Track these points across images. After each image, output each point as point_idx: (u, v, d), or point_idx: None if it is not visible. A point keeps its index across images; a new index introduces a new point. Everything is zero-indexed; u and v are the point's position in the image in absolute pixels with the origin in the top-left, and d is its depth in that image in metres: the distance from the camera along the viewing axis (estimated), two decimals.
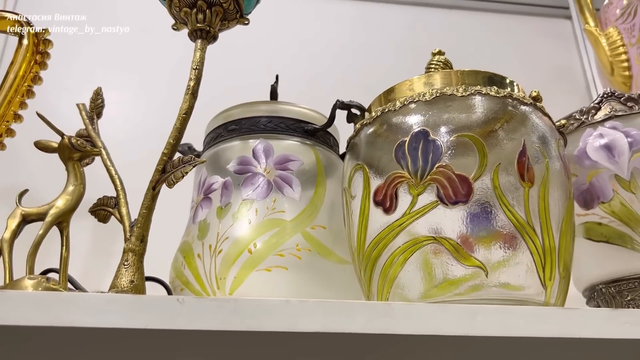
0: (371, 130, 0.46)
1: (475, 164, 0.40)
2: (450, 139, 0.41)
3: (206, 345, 0.36)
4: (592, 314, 0.39)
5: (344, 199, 0.48)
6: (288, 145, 0.53)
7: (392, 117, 0.45)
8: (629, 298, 0.49)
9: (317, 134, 0.55)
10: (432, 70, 0.52)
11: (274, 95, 0.62)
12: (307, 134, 0.54)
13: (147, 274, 0.45)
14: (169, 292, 0.52)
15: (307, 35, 0.97)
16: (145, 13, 0.86)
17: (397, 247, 0.41)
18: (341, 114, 0.53)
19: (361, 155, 0.46)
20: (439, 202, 0.40)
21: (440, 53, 0.53)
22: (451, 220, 0.40)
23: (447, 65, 0.52)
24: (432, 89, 0.44)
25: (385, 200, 0.42)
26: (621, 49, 0.73)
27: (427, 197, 0.40)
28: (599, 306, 0.52)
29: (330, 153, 0.56)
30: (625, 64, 0.72)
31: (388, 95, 0.48)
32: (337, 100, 0.54)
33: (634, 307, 0.49)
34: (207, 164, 0.54)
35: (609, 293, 0.51)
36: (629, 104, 0.52)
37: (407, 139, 0.42)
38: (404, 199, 0.41)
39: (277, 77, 0.63)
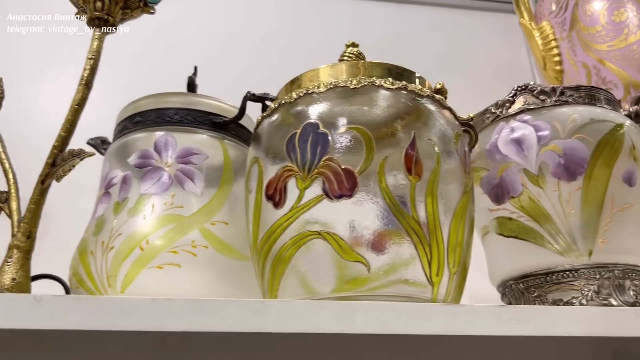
0: (269, 122, 0.45)
1: (363, 156, 0.39)
2: (340, 132, 0.40)
3: (66, 346, 0.35)
4: (478, 311, 0.38)
5: (245, 193, 0.46)
6: (194, 139, 0.51)
7: (289, 108, 0.44)
8: (535, 294, 0.48)
9: (228, 128, 0.53)
10: (346, 60, 0.51)
11: (191, 87, 0.60)
12: (215, 127, 0.52)
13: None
14: (67, 291, 0.50)
15: (237, 28, 0.95)
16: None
17: (284, 242, 0.40)
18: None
19: (259, 148, 0.45)
20: (324, 196, 0.39)
21: (353, 45, 0.52)
22: (336, 215, 0.38)
23: (359, 57, 0.51)
24: (327, 81, 0.43)
25: (275, 195, 0.41)
26: (553, 43, 0.72)
27: (314, 191, 0.39)
28: (510, 302, 0.51)
29: (244, 147, 0.54)
30: (557, 58, 0.72)
31: (292, 85, 0.47)
32: (248, 92, 0.53)
33: (539, 304, 0.48)
34: (112, 158, 0.52)
35: (517, 289, 0.50)
36: (541, 97, 0.51)
37: (299, 131, 0.41)
38: (292, 193, 0.40)
39: (195, 68, 0.62)
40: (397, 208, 0.38)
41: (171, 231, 0.46)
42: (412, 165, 0.39)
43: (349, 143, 0.39)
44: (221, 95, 0.56)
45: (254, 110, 0.54)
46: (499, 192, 0.51)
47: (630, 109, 0.53)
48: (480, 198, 0.52)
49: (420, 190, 0.39)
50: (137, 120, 0.52)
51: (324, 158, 0.39)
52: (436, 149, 0.41)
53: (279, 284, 0.40)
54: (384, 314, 0.36)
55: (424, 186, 0.39)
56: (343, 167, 0.39)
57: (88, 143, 0.58)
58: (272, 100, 0.52)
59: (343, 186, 0.38)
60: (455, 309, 0.37)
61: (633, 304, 0.44)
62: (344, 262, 0.38)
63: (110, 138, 0.59)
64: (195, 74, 0.61)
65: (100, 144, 0.58)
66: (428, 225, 0.39)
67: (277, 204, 0.40)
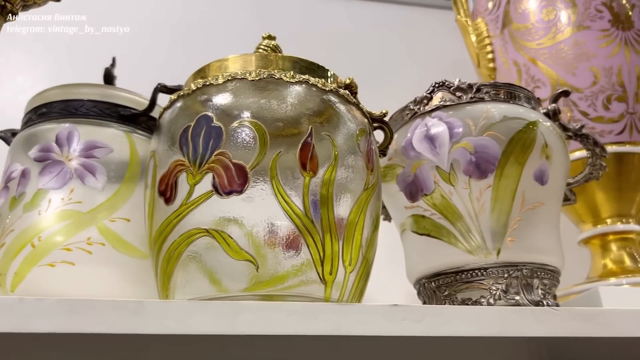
0: (168, 114, 0.43)
1: (256, 151, 0.38)
2: (234, 126, 0.39)
3: None
4: (370, 310, 0.37)
5: (144, 189, 0.45)
6: (101, 132, 0.49)
7: (186, 100, 0.42)
8: (446, 293, 0.48)
9: (139, 121, 0.52)
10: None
11: (107, 79, 0.58)
12: (124, 120, 0.51)
13: None
14: None
15: (165, 18, 0.93)
16: None
17: (173, 240, 0.38)
18: None
19: (158, 142, 0.43)
20: (213, 191, 0.37)
21: (270, 37, 0.51)
22: (225, 212, 0.37)
23: (275, 50, 0.50)
24: (226, 73, 0.41)
25: (167, 190, 0.39)
26: (487, 41, 0.72)
27: (204, 186, 0.38)
28: (424, 301, 0.51)
29: None
30: (490, 56, 0.72)
31: (197, 76, 0.45)
32: (159, 84, 0.51)
33: (450, 303, 0.47)
34: (14, 150, 0.50)
35: (430, 288, 0.49)
36: (457, 94, 0.51)
37: (192, 124, 0.40)
38: (183, 189, 0.38)
39: (113, 59, 0.59)
40: (289, 205, 0.37)
41: (66, 227, 0.44)
42: (307, 160, 0.38)
43: (242, 137, 0.38)
44: (148, 88, 0.54)
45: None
46: (413, 190, 0.50)
47: (549, 107, 0.53)
48: (398, 195, 0.52)
49: (315, 187, 0.38)
50: (42, 112, 0.50)
51: (216, 152, 0.38)
52: (335, 144, 0.40)
53: (169, 282, 0.39)
54: (270, 314, 0.35)
55: (318, 182, 0.38)
56: (234, 162, 0.37)
57: None
58: None
59: (233, 182, 0.37)
60: (345, 309, 0.36)
61: (538, 303, 0.44)
62: (233, 262, 0.36)
63: None
64: (113, 65, 0.59)
65: (10, 137, 0.56)
66: (322, 222, 0.38)
67: (168, 200, 0.39)
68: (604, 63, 0.63)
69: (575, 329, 0.40)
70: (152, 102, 0.51)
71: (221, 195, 0.37)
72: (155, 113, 0.52)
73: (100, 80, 0.56)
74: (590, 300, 0.53)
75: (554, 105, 0.53)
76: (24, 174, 0.47)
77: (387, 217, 0.59)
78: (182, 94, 0.43)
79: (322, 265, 0.37)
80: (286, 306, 0.35)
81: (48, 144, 0.47)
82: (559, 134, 0.51)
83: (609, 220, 0.63)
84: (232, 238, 0.37)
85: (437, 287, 0.48)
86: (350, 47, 0.99)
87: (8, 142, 0.55)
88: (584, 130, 0.54)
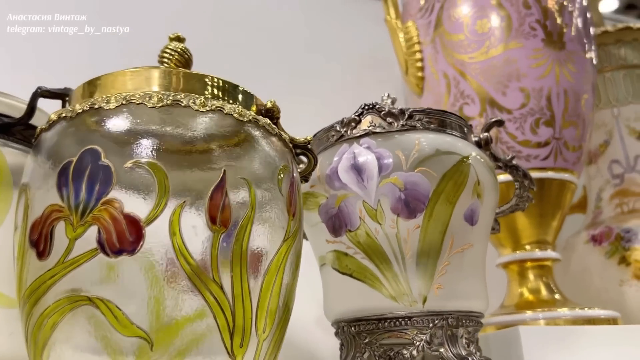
0: (45, 139, 0.35)
1: (153, 200, 0.31)
2: (127, 166, 0.31)
3: None
4: None
5: (13, 228, 0.36)
6: None
7: (69, 125, 0.34)
8: (366, 341, 0.44)
9: (12, 130, 0.43)
10: (165, 60, 0.42)
11: None
12: None
13: None
14: None
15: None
16: None
17: (47, 305, 0.31)
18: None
19: (32, 173, 0.35)
20: (99, 249, 0.30)
21: (178, 39, 0.43)
22: (113, 276, 0.30)
23: (183, 56, 0.42)
24: (120, 95, 0.34)
25: (40, 241, 0.32)
26: (416, 47, 0.68)
27: (87, 242, 0.31)
28: (342, 344, 0.47)
29: None
30: (419, 64, 0.68)
31: (85, 90, 0.37)
32: (38, 88, 0.42)
33: (370, 351, 0.44)
34: None
35: (349, 332, 0.45)
36: (388, 119, 0.46)
37: (74, 160, 0.32)
38: (60, 242, 0.31)
39: None
40: (193, 269, 0.31)
41: None
42: (217, 213, 0.32)
43: (137, 182, 0.31)
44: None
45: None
46: (337, 224, 0.45)
47: (481, 136, 0.50)
48: (320, 227, 0.47)
49: (226, 245, 0.32)
50: None
51: (103, 199, 0.31)
52: (252, 190, 0.34)
53: (41, 356, 0.31)
54: None
55: (230, 239, 0.32)
56: (125, 213, 0.31)
57: None
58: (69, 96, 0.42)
59: (124, 239, 0.30)
60: None
61: (464, 359, 0.41)
62: (120, 337, 0.30)
63: None
64: None
65: None
66: (233, 290, 0.32)
67: (42, 254, 0.31)
68: (534, 84, 0.60)
69: None
70: (31, 109, 0.42)
71: (108, 255, 0.30)
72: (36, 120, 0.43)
73: None
74: (510, 340, 0.51)
75: (486, 134, 0.50)
76: None
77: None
78: (63, 115, 0.35)
79: (232, 338, 0.32)
80: None
81: None
82: (490, 166, 0.48)
83: (528, 247, 0.62)
84: (119, 309, 0.30)
85: (358, 332, 0.44)
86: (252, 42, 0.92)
87: None
88: (514, 162, 0.51)
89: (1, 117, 0.42)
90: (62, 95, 0.43)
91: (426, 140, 0.45)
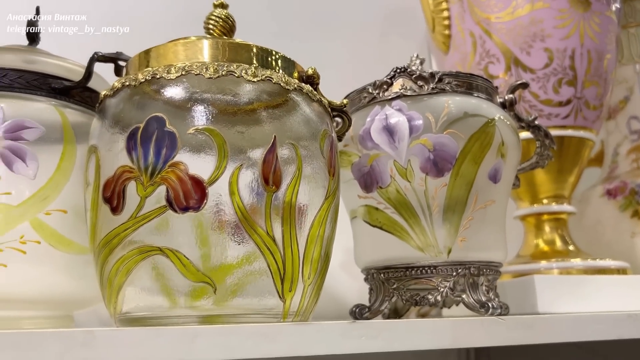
0: (111, 105, 0.39)
1: (214, 163, 0.35)
2: (190, 132, 0.35)
3: None
4: (328, 329, 0.37)
5: (83, 184, 0.40)
6: (28, 108, 0.43)
7: (133, 93, 0.38)
8: (395, 286, 0.49)
9: (72, 93, 0.46)
10: (211, 28, 0.45)
11: (31, 38, 0.51)
12: (55, 93, 0.45)
13: None
14: None
15: None
16: None
17: (121, 255, 0.35)
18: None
19: (99, 135, 0.39)
20: (167, 207, 0.34)
21: (222, 5, 0.46)
22: (181, 230, 0.35)
23: (227, 22, 0.45)
24: (179, 65, 0.37)
25: (113, 198, 0.36)
26: (444, 5, 0.69)
27: (156, 200, 0.35)
28: (371, 289, 0.51)
29: (92, 115, 0.47)
30: (446, 22, 0.69)
31: (142, 59, 0.40)
32: (95, 53, 0.46)
33: (398, 296, 0.48)
34: None
35: (379, 279, 0.50)
36: (419, 82, 0.49)
37: (142, 126, 0.36)
38: (132, 200, 0.35)
39: (37, 9, 0.52)
40: (250, 223, 0.35)
41: None
42: (269, 174, 0.36)
43: (199, 146, 0.35)
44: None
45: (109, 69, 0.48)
46: (368, 181, 0.49)
47: (506, 97, 0.53)
48: (352, 183, 0.50)
49: (278, 202, 0.36)
50: None
51: (170, 162, 0.35)
52: (299, 153, 0.37)
53: (117, 296, 0.36)
54: (227, 338, 0.34)
55: (281, 197, 0.36)
56: (190, 174, 0.34)
57: None
58: (124, 61, 0.45)
59: (190, 197, 0.34)
60: (303, 329, 0.36)
61: (484, 304, 0.46)
62: (188, 282, 0.34)
63: None
64: (37, 15, 0.52)
65: None
66: (283, 240, 0.36)
67: (115, 210, 0.36)
68: (558, 45, 0.62)
69: (519, 337, 0.42)
70: (88, 73, 0.46)
71: (176, 211, 0.34)
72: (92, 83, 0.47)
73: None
74: (525, 287, 0.56)
75: (511, 96, 0.53)
76: None
77: None
78: (127, 83, 0.38)
79: (282, 283, 0.36)
80: (244, 329, 0.34)
81: None
82: (514, 127, 0.51)
83: (545, 200, 0.66)
84: (187, 258, 0.34)
85: (387, 279, 0.49)
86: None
87: None
88: (536, 122, 0.54)
89: (61, 80, 0.46)
90: (114, 59, 0.47)
91: (455, 103, 0.48)
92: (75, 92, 0.46)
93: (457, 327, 0.40)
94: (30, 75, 0.44)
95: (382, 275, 0.49)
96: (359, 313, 0.50)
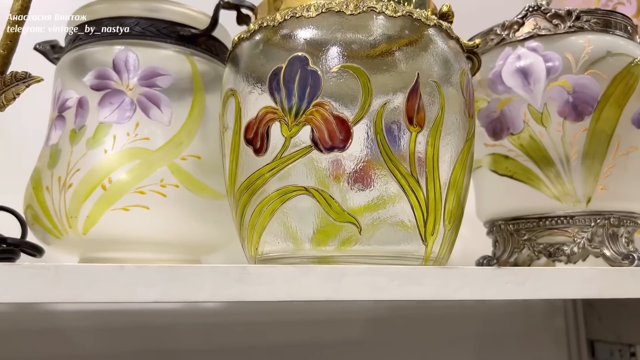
0: (249, 46, 0.39)
1: (359, 102, 0.34)
2: (333, 70, 0.34)
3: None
4: (474, 274, 0.35)
5: (220, 125, 0.41)
6: (158, 55, 0.44)
7: (272, 33, 0.37)
8: (525, 237, 0.47)
9: (198, 41, 0.46)
10: None
11: None
12: (183, 41, 0.45)
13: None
14: (22, 223, 0.46)
15: None
16: None
17: (266, 195, 0.36)
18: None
19: (237, 78, 0.39)
20: (313, 147, 0.34)
21: None
22: (327, 169, 0.34)
23: None
24: (318, 3, 0.36)
25: (256, 140, 0.36)
26: None
27: (301, 139, 0.34)
28: (497, 241, 0.50)
29: (216, 64, 0.48)
30: None
31: (276, 1, 0.40)
32: (220, 0, 0.46)
33: (529, 248, 0.46)
34: (64, 73, 0.45)
35: (507, 230, 0.48)
36: (554, 21, 0.46)
37: (284, 66, 0.35)
38: (277, 141, 0.35)
39: None
40: (395, 164, 0.34)
41: (136, 168, 0.41)
42: (414, 114, 0.35)
43: (343, 85, 0.34)
44: None
45: (226, 19, 0.47)
46: (498, 127, 0.47)
47: None
48: (478, 130, 0.48)
49: (421, 142, 0.35)
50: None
51: (314, 102, 0.34)
52: (442, 92, 0.36)
53: (260, 237, 0.36)
54: (373, 278, 0.33)
55: (425, 137, 0.35)
56: (335, 114, 0.34)
57: (35, 49, 0.50)
58: (248, 8, 0.45)
59: (335, 137, 0.34)
60: (449, 272, 0.35)
61: (627, 256, 0.43)
62: (333, 222, 0.34)
63: (62, 42, 0.51)
64: None
65: (50, 50, 0.51)
66: (427, 182, 0.35)
67: (259, 151, 0.36)
68: None
69: None
70: (214, 20, 0.46)
71: (321, 151, 0.34)
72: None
73: None
74: None
75: None
76: (81, 104, 0.43)
77: None
78: (264, 24, 0.38)
79: (425, 226, 0.35)
80: (389, 270, 0.34)
81: (104, 70, 0.43)
82: None
83: None
84: (333, 198, 0.34)
85: (516, 230, 0.47)
86: None
87: (48, 57, 0.50)
88: None
89: (186, 27, 0.46)
90: (238, 6, 0.47)
91: (596, 42, 0.44)
92: (202, 40, 0.47)
93: (606, 277, 0.38)
94: (160, 23, 0.45)
95: (510, 226, 0.47)
96: (486, 264, 0.48)
